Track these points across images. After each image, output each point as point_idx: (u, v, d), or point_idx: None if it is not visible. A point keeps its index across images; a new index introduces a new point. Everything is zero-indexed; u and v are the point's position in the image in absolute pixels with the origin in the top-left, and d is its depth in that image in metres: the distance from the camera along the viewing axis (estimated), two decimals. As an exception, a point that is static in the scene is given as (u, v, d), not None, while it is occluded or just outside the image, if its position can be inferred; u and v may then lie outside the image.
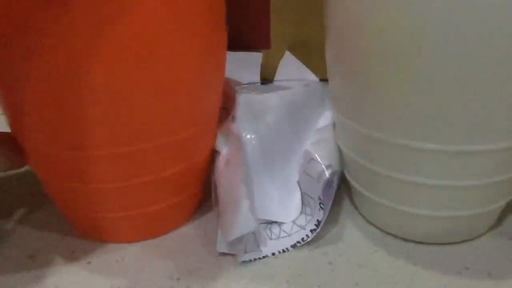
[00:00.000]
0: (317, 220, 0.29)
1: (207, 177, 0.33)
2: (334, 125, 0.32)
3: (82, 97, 0.24)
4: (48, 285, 0.28)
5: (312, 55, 0.39)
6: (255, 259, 0.29)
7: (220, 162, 0.31)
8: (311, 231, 0.29)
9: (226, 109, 0.33)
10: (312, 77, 0.38)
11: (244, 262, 0.29)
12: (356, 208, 0.33)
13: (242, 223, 0.28)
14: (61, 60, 0.23)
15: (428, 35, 0.22)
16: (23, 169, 0.39)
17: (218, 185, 0.30)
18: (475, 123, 0.24)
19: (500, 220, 0.32)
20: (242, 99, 0.32)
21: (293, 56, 0.40)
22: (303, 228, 0.30)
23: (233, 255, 0.29)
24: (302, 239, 0.29)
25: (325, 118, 0.34)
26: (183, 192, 0.31)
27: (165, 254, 0.30)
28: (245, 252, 0.29)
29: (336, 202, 0.33)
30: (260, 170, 0.31)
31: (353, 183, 0.31)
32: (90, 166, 0.27)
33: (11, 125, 0.28)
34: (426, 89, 0.24)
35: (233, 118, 0.32)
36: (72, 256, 0.30)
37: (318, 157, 0.30)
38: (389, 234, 0.30)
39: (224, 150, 0.31)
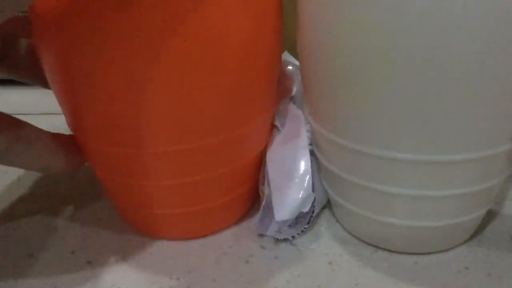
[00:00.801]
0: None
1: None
2: (310, 135, 0.31)
3: (145, 95, 0.24)
4: (48, 285, 0.28)
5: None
6: (276, 239, 0.30)
7: (278, 138, 0.31)
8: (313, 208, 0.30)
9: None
10: None
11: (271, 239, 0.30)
12: (335, 218, 0.32)
13: (300, 202, 0.29)
14: (126, 58, 0.23)
15: (399, 44, 0.22)
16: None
17: (271, 162, 0.30)
18: (449, 133, 0.24)
19: (500, 219, 0.32)
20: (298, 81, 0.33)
21: (292, 57, 0.40)
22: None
23: (235, 254, 0.29)
24: (313, 211, 0.30)
25: None
26: (240, 188, 0.31)
27: (166, 254, 0.30)
28: (272, 230, 0.30)
29: (336, 202, 0.33)
30: None
31: (330, 192, 0.30)
32: (150, 163, 0.27)
33: (71, 124, 0.28)
34: (398, 99, 0.23)
35: (292, 98, 0.32)
36: (72, 256, 0.30)
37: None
38: (367, 243, 0.30)
39: (282, 127, 0.31)
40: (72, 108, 0.27)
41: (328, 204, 0.33)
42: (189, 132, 0.26)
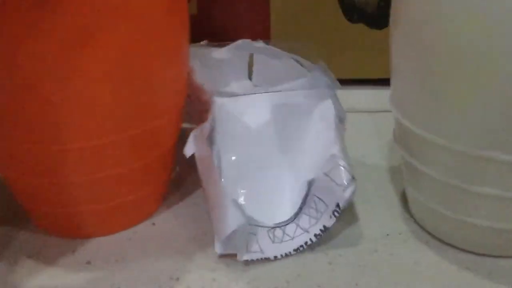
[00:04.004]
0: (324, 226, 0.29)
1: (172, 169, 0.34)
2: (394, 129, 0.31)
3: (56, 93, 0.26)
4: (48, 285, 0.28)
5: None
6: (257, 259, 0.29)
7: (199, 165, 0.32)
8: (316, 235, 0.29)
9: (206, 113, 0.34)
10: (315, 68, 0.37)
11: (245, 261, 0.29)
12: (411, 216, 0.32)
13: (230, 219, 0.28)
14: (33, 54, 0.25)
15: (505, 42, 0.22)
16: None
17: (204, 187, 0.32)
18: None
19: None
20: (217, 103, 0.33)
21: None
22: (307, 231, 0.29)
23: (234, 255, 0.29)
24: (306, 243, 0.29)
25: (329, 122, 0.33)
26: (150, 184, 0.32)
27: (166, 254, 0.30)
28: (247, 252, 0.29)
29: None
30: (243, 169, 0.32)
31: (412, 191, 0.30)
32: (60, 160, 0.28)
33: None
34: (497, 98, 0.23)
35: (208, 121, 0.32)
36: (72, 256, 0.30)
37: (347, 165, 0.30)
38: (448, 244, 0.30)
39: (197, 153, 0.32)
40: None
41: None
42: (103, 128, 0.27)
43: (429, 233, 0.30)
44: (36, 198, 0.30)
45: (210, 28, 0.45)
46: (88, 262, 0.29)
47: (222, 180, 0.30)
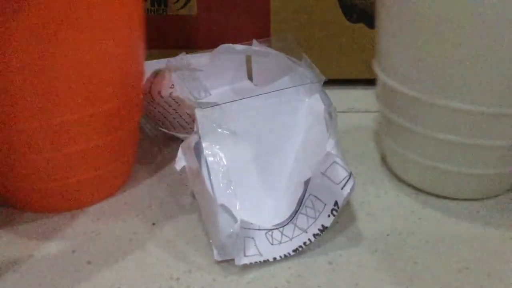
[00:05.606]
0: (322, 226, 0.29)
1: (135, 150, 0.37)
2: (376, 90, 0.35)
3: (11, 72, 0.27)
4: (48, 285, 0.28)
5: (314, 55, 0.39)
6: (255, 263, 0.29)
7: (189, 174, 0.32)
8: (314, 235, 0.29)
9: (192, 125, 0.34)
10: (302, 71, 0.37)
11: (244, 265, 0.29)
12: (389, 168, 0.36)
13: (220, 225, 0.28)
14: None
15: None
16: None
17: (196, 196, 0.32)
18: (504, 87, 0.28)
19: (499, 219, 0.32)
20: (199, 115, 0.33)
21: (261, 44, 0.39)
22: (305, 231, 0.29)
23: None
24: (304, 243, 0.29)
25: (319, 119, 0.33)
26: (113, 162, 0.34)
27: (166, 254, 0.30)
28: (245, 256, 0.29)
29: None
30: (234, 175, 0.32)
31: (390, 142, 0.34)
32: (21, 137, 0.30)
33: None
34: (464, 52, 0.27)
35: (194, 132, 0.32)
36: (72, 256, 0.30)
37: (342, 162, 0.29)
38: (421, 191, 0.34)
39: (186, 163, 0.32)
40: None
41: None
42: (56, 107, 0.29)
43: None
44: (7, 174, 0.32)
45: (210, 29, 0.45)
46: (88, 262, 0.29)
47: (211, 188, 0.30)
